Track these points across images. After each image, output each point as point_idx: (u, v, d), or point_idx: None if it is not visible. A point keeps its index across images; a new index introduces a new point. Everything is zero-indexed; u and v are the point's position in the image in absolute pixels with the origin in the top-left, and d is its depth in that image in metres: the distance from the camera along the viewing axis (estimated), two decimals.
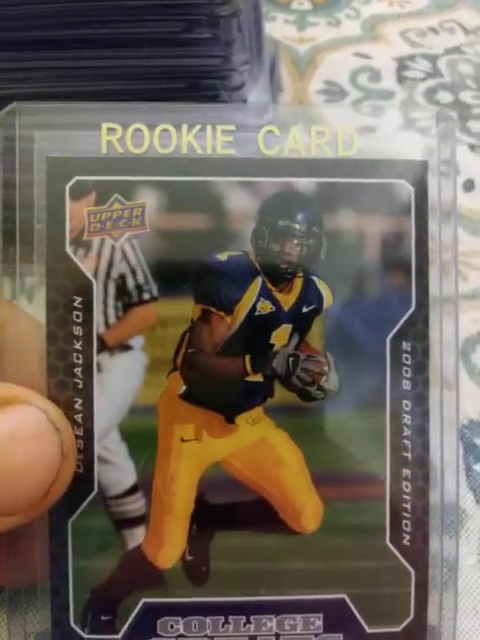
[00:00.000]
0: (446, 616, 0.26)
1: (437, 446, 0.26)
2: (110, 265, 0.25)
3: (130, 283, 0.25)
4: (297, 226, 0.25)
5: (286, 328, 0.25)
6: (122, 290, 0.25)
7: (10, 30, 0.31)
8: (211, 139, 0.25)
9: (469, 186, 0.42)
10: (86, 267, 0.25)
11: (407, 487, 0.25)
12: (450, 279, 0.25)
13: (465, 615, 0.29)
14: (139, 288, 0.25)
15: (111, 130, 0.25)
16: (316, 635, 0.25)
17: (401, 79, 0.49)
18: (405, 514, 0.25)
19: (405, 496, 0.25)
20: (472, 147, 0.44)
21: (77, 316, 0.24)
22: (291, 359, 0.25)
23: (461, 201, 0.40)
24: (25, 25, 0.31)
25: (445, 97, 0.48)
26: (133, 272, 0.25)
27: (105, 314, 0.25)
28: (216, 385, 0.25)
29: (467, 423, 0.33)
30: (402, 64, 0.50)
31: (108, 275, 0.25)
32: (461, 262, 0.37)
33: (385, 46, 0.52)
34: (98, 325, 0.25)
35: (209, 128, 0.25)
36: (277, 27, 0.52)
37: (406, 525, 0.25)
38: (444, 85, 0.49)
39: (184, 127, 0.25)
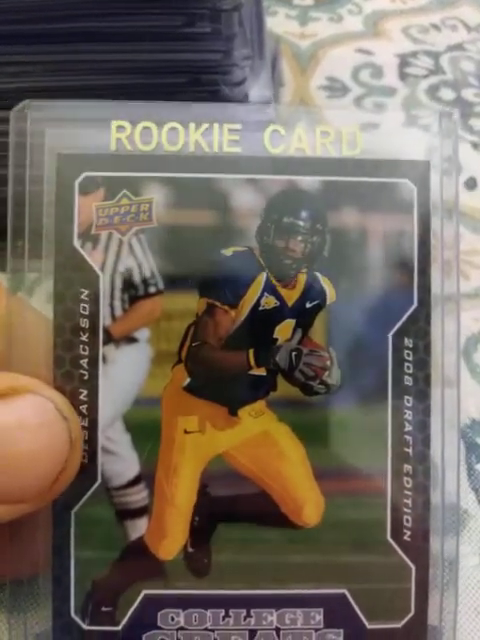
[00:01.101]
0: (447, 616, 0.26)
1: (438, 445, 0.26)
2: (117, 259, 0.25)
3: (136, 276, 0.25)
4: (301, 223, 0.25)
5: (289, 323, 0.26)
6: (128, 283, 0.25)
7: (4, 23, 0.30)
8: (218, 137, 0.25)
9: (471, 184, 0.42)
10: (93, 260, 0.25)
11: (408, 482, 0.25)
12: (452, 277, 0.26)
13: (467, 615, 0.29)
14: (145, 281, 0.25)
15: (120, 128, 0.25)
16: (316, 630, 0.25)
17: (403, 76, 0.49)
18: (406, 510, 0.25)
19: (406, 491, 0.25)
20: (474, 145, 0.44)
21: (84, 308, 0.25)
22: (294, 354, 0.25)
23: (463, 199, 0.39)
24: (21, 18, 0.30)
25: (447, 94, 0.47)
26: (139, 266, 0.25)
27: (111, 307, 0.25)
28: (220, 378, 0.25)
29: (469, 423, 0.33)
30: (404, 61, 0.50)
31: (115, 268, 0.25)
32: (463, 260, 0.37)
33: (387, 42, 0.51)
34: (104, 317, 0.25)
35: (216, 126, 0.25)
36: (279, 22, 0.52)
37: (407, 520, 0.25)
38: (446, 82, 0.48)
39: (191, 125, 0.25)
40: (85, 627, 0.25)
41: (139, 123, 0.25)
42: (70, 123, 0.25)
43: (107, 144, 0.25)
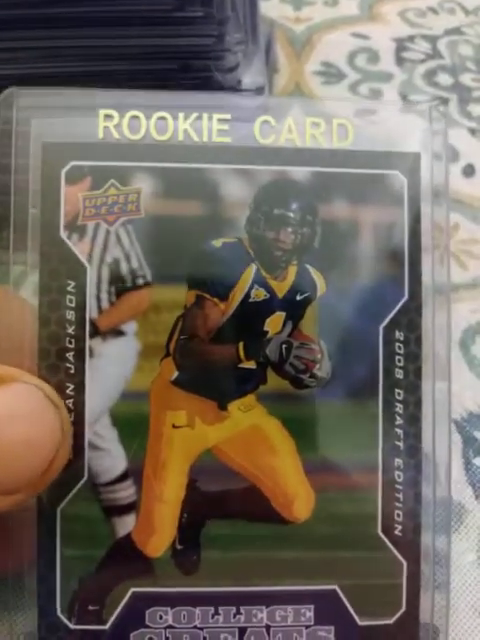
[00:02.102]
0: (440, 612, 0.26)
1: (430, 439, 0.25)
2: (104, 250, 0.25)
3: (124, 268, 0.25)
4: (291, 214, 0.25)
5: (280, 315, 0.25)
6: (116, 275, 0.25)
7: None
8: (207, 127, 0.25)
9: (469, 171, 0.41)
10: (80, 251, 0.24)
11: (399, 477, 0.25)
12: (444, 270, 0.26)
13: (465, 613, 0.28)
14: (133, 273, 0.25)
15: (108, 116, 0.25)
16: (307, 627, 0.25)
17: (400, 61, 0.47)
18: (397, 504, 0.25)
19: (397, 485, 0.25)
20: (472, 131, 0.43)
21: (70, 300, 0.24)
22: (284, 346, 0.25)
23: (461, 187, 0.38)
24: (9, 3, 0.30)
25: (445, 80, 0.46)
26: (127, 257, 0.25)
27: (98, 299, 0.25)
28: (209, 371, 0.25)
29: (466, 416, 0.33)
30: (401, 45, 0.48)
31: (102, 260, 0.25)
32: (461, 250, 0.35)
33: (384, 26, 0.49)
34: (91, 310, 0.24)
35: (205, 116, 0.25)
36: (272, 6, 0.50)
37: (398, 515, 0.25)
38: (444, 67, 0.47)
39: (180, 115, 0.25)
40: (72, 626, 0.24)
41: (127, 112, 0.25)
42: (56, 111, 0.25)
43: (94, 133, 0.25)
